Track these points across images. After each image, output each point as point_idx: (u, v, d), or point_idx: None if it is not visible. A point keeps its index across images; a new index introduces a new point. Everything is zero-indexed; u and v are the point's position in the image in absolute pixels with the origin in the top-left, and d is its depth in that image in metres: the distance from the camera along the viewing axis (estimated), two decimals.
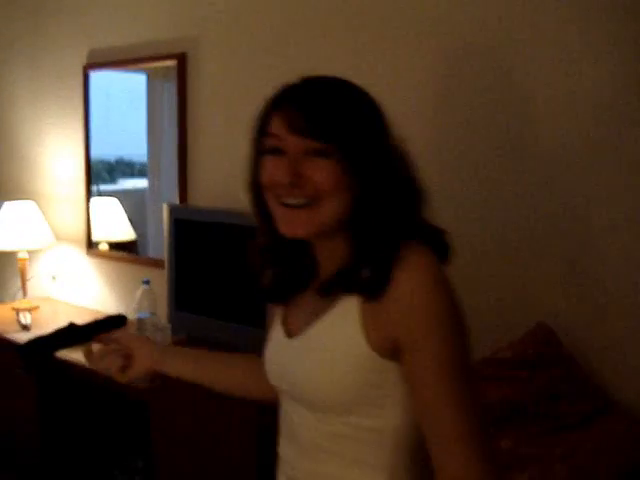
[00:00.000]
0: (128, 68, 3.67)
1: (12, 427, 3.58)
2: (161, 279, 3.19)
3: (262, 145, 1.16)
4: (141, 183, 3.92)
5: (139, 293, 3.09)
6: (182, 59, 3.32)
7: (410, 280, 1.05)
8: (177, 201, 3.36)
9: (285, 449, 1.27)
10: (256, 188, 1.19)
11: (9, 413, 3.56)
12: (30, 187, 4.29)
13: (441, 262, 1.10)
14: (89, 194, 3.93)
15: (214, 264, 2.81)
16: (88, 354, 1.49)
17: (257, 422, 2.40)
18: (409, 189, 1.14)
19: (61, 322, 3.62)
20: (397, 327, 1.07)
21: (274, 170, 1.12)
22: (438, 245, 1.12)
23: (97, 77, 3.83)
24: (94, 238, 3.95)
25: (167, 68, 3.45)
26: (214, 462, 2.59)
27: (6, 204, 3.98)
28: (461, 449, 1.05)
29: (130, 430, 3.34)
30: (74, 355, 3.22)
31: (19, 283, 4.08)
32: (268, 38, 3.04)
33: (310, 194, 1.09)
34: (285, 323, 1.27)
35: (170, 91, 3.48)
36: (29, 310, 3.80)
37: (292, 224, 1.12)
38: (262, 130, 1.17)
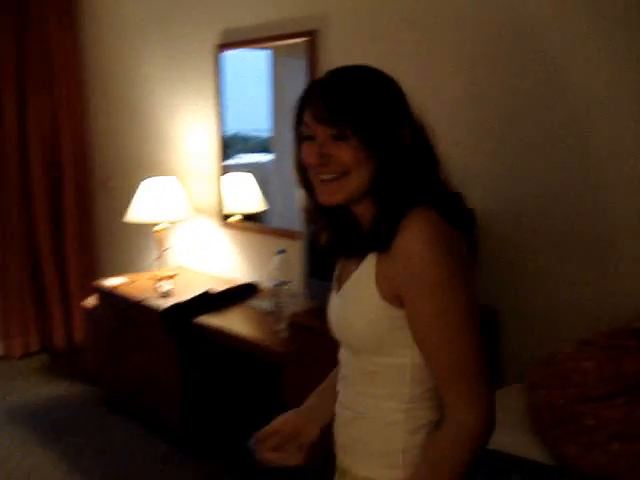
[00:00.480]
0: (258, 46, 3.79)
1: (155, 389, 3.83)
2: (293, 249, 3.32)
3: (300, 133, 1.38)
4: (260, 158, 4.06)
5: (274, 262, 3.23)
6: (312, 36, 3.41)
7: (410, 236, 1.26)
8: None
9: (339, 385, 1.52)
10: (300, 168, 1.42)
11: (153, 376, 3.80)
12: (169, 163, 4.52)
13: (452, 222, 1.29)
14: (222, 168, 4.11)
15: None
16: (261, 451, 1.60)
17: None
18: (421, 162, 1.36)
19: (197, 290, 3.87)
20: (399, 277, 1.28)
21: (308, 153, 1.35)
22: (450, 208, 1.33)
23: (227, 55, 3.99)
24: (227, 210, 4.14)
25: (292, 45, 3.56)
26: None
27: (148, 179, 4.23)
28: (459, 389, 1.27)
29: (264, 392, 3.47)
30: (211, 320, 3.44)
31: (157, 253, 4.33)
32: (397, 14, 3.09)
33: (337, 170, 1.32)
34: (338, 280, 1.49)
35: (294, 67, 3.58)
36: (168, 278, 4.03)
37: (326, 194, 1.36)
38: (299, 120, 1.38)
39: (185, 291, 3.79)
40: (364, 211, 1.38)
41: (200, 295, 3.66)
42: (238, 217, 4.12)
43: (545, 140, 2.67)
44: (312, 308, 2.98)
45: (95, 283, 4.34)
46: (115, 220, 4.94)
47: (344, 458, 1.49)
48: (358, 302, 1.36)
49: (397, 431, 1.38)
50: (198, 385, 3.66)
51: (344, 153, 1.31)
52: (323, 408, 1.60)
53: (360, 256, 1.38)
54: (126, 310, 3.93)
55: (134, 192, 4.29)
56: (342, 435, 1.49)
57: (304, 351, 2.89)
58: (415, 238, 1.25)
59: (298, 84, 3.56)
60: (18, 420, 4.15)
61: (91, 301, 4.50)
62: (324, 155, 1.32)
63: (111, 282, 4.18)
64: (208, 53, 4.07)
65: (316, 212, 1.46)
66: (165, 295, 3.80)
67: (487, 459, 2.23)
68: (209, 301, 3.64)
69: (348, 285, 1.40)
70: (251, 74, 4.01)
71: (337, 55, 3.35)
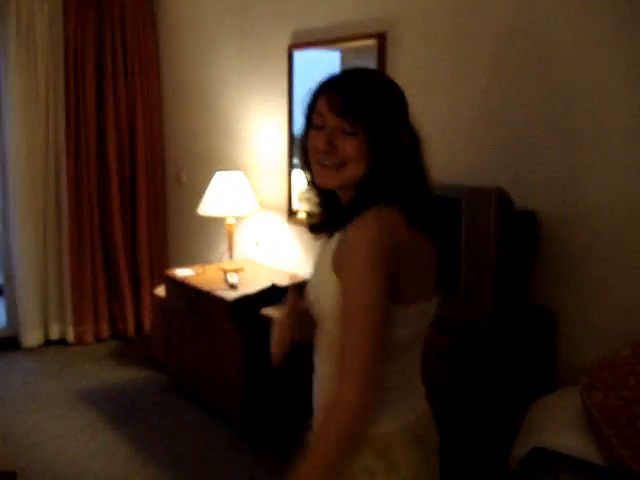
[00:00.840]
0: (328, 47, 3.88)
1: (219, 377, 3.95)
2: None
3: (310, 120, 1.55)
4: None
5: None
6: (382, 38, 3.48)
7: (355, 225, 1.44)
8: None
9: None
10: (304, 150, 1.59)
11: (218, 364, 3.93)
12: (238, 158, 4.64)
13: (412, 222, 1.47)
14: (291, 166, 4.21)
15: None
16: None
17: None
18: (412, 164, 1.53)
19: (263, 283, 3.98)
20: (337, 256, 1.46)
21: (317, 140, 1.51)
22: (421, 213, 1.51)
23: (299, 55, 4.08)
24: (294, 207, 4.24)
25: (361, 46, 3.62)
26: None
27: (217, 174, 4.36)
28: (345, 367, 1.40)
29: None
30: (277, 312, 3.53)
31: (226, 246, 4.46)
32: (465, 17, 3.13)
33: (338, 160, 1.48)
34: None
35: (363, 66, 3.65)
36: (235, 271, 4.15)
37: (323, 178, 1.53)
38: (311, 108, 1.55)
39: (251, 284, 3.90)
40: (346, 197, 1.55)
41: (267, 288, 3.76)
42: (304, 213, 4.21)
43: (609, 143, 2.67)
44: None
45: (165, 273, 4.50)
46: (186, 213, 5.11)
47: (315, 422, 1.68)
48: (323, 274, 1.53)
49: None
50: (260, 375, 3.76)
51: (349, 146, 1.47)
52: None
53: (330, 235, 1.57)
54: (195, 300, 4.07)
55: (204, 186, 4.43)
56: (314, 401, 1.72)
57: None
58: (356, 228, 1.43)
59: None
60: (88, 402, 4.33)
61: (161, 291, 4.66)
62: (332, 144, 1.48)
63: (181, 273, 4.33)
64: (280, 53, 4.17)
65: (312, 192, 1.64)
66: (232, 287, 3.91)
67: (539, 456, 2.28)
68: (275, 294, 3.73)
69: (317, 261, 1.60)
70: (322, 74, 4.08)
71: (405, 57, 3.41)
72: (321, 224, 1.65)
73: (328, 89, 1.53)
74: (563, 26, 2.76)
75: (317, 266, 1.60)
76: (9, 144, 5.08)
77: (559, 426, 2.40)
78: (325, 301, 1.52)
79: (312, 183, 1.61)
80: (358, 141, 1.47)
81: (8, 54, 4.96)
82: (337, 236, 1.52)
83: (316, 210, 1.66)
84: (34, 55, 5.03)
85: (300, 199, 1.71)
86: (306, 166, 1.61)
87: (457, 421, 2.59)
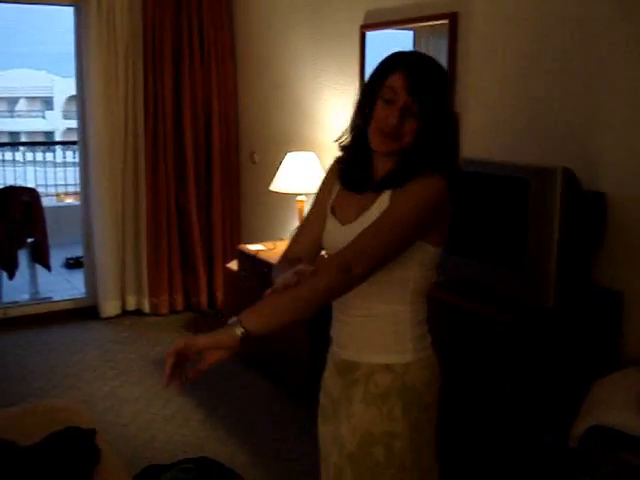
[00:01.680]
0: (400, 27, 3.91)
1: (284, 350, 4.07)
2: None
3: (378, 91, 1.74)
4: None
5: None
6: (453, 18, 3.50)
7: (415, 183, 1.72)
8: None
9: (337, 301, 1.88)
10: (363, 117, 1.79)
11: (284, 337, 4.03)
12: (311, 139, 4.72)
13: (454, 189, 1.76)
14: None
15: (479, 211, 2.96)
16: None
17: None
18: (445, 143, 1.77)
19: None
20: (393, 201, 1.74)
21: (387, 112, 1.71)
22: (457, 185, 1.77)
23: (371, 36, 4.13)
24: None
25: (433, 26, 3.66)
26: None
27: (290, 154, 4.45)
28: (358, 249, 1.67)
29: None
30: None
31: (296, 223, 4.56)
32: None
33: (400, 133, 1.71)
34: (335, 214, 1.89)
35: (435, 46, 3.68)
36: None
37: (382, 144, 1.75)
38: (381, 81, 1.74)
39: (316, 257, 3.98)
40: (385, 162, 1.80)
41: None
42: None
43: None
44: (442, 281, 3.09)
45: (238, 248, 4.63)
46: (259, 191, 5.23)
47: (353, 354, 1.88)
48: None
49: (406, 325, 1.83)
50: (325, 349, 3.84)
51: (410, 124, 1.71)
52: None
53: (369, 196, 1.80)
54: (265, 274, 4.17)
55: (277, 166, 4.53)
56: (349, 337, 1.90)
57: (430, 323, 3.01)
58: (421, 184, 1.71)
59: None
60: (162, 370, 4.48)
61: (233, 265, 4.80)
62: (402, 119, 1.70)
63: (253, 247, 4.45)
64: (353, 33, 4.22)
65: (350, 151, 1.88)
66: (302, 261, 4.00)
67: (599, 435, 2.31)
68: None
69: (367, 215, 1.78)
70: None
71: (476, 37, 3.42)
72: (358, 181, 1.86)
73: (404, 68, 1.72)
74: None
75: (367, 220, 1.76)
76: (90, 125, 5.29)
77: (620, 405, 2.42)
78: None
79: (355, 144, 1.85)
80: (416, 120, 1.71)
81: (89, 38, 5.17)
82: (386, 194, 1.77)
83: (349, 168, 1.89)
84: (114, 38, 5.23)
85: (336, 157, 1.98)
86: (359, 130, 1.83)
87: (519, 399, 2.64)
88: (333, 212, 1.90)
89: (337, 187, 1.94)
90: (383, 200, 1.78)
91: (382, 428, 1.80)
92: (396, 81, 1.71)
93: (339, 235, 1.83)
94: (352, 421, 1.85)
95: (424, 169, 1.73)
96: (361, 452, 1.82)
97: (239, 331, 1.60)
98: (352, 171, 1.88)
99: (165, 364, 1.68)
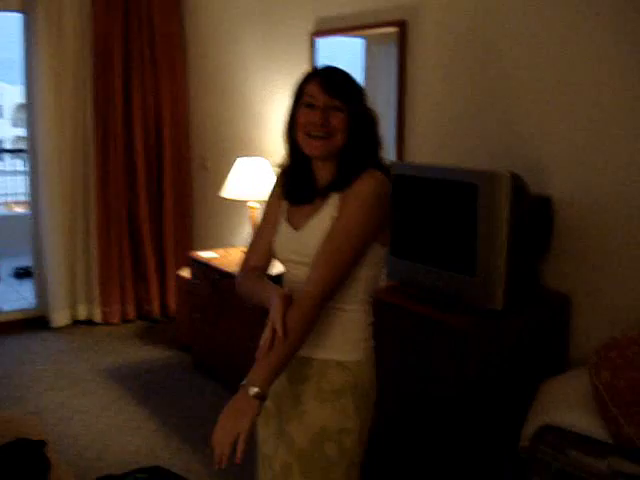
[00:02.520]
0: (350, 34, 3.94)
1: (241, 355, 4.00)
2: None
3: (300, 101, 1.87)
4: None
5: None
6: (403, 26, 3.54)
7: (363, 181, 1.81)
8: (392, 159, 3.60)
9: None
10: (291, 127, 1.90)
11: (240, 344, 4.02)
12: (262, 144, 4.73)
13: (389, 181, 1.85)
14: None
15: (428, 216, 3.00)
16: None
17: None
18: (375, 137, 1.90)
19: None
20: (342, 204, 1.82)
21: (311, 115, 1.83)
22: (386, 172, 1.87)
23: (321, 43, 4.15)
24: None
25: (383, 34, 3.69)
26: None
27: (239, 159, 4.45)
28: (317, 275, 1.76)
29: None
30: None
31: (248, 230, 4.55)
32: (488, 6, 3.19)
33: (329, 131, 1.82)
34: (289, 221, 1.95)
35: (386, 54, 3.72)
36: None
37: (314, 148, 1.85)
38: (301, 91, 1.88)
39: (273, 265, 3.98)
40: (324, 168, 1.89)
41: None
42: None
43: (627, 132, 2.72)
44: (392, 285, 3.12)
45: (190, 255, 4.60)
46: (210, 197, 5.22)
47: (305, 350, 1.86)
48: (326, 229, 1.82)
49: (359, 324, 1.91)
50: None
51: (337, 119, 1.82)
52: None
53: (317, 201, 1.89)
54: (218, 281, 4.17)
55: (228, 171, 4.52)
56: None
57: (381, 326, 3.03)
58: (366, 183, 1.80)
59: (389, 72, 3.69)
60: (115, 379, 4.46)
61: (185, 272, 4.77)
62: (326, 118, 1.82)
63: (205, 255, 4.43)
64: (304, 40, 4.24)
65: (290, 164, 1.97)
66: None
67: (548, 434, 2.35)
68: None
69: (315, 220, 1.87)
70: (344, 62, 4.15)
71: (426, 45, 3.47)
72: (301, 193, 1.94)
73: (317, 76, 1.87)
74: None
75: (316, 224, 1.87)
76: (39, 132, 5.21)
77: (568, 405, 2.46)
78: None
79: (292, 156, 1.95)
80: (343, 116, 1.83)
81: (37, 45, 5.08)
82: (335, 197, 1.85)
83: (291, 181, 1.97)
84: (63, 46, 5.16)
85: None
86: (290, 140, 1.93)
87: (469, 401, 2.67)
88: (287, 218, 1.97)
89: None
90: (332, 203, 1.86)
91: (337, 425, 1.84)
92: (313, 87, 1.85)
93: (292, 240, 1.92)
94: (304, 418, 1.87)
95: (363, 167, 1.84)
96: (312, 448, 1.85)
97: (255, 396, 1.72)
98: (295, 186, 1.96)
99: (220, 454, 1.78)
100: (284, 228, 1.96)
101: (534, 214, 2.80)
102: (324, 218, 1.85)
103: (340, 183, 1.85)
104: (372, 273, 1.90)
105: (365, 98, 1.90)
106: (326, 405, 1.86)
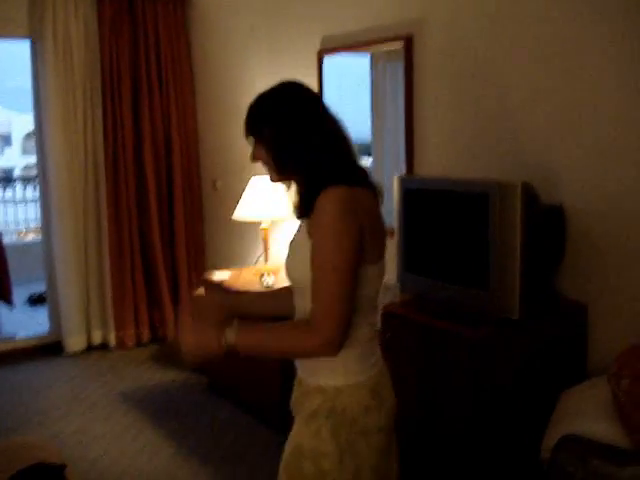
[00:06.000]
0: (357, 50, 3.96)
1: (256, 375, 4.03)
2: (388, 244, 3.44)
3: None
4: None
5: None
6: (409, 41, 3.56)
7: (323, 199, 1.71)
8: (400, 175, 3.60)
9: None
10: None
11: (255, 365, 3.99)
12: None
13: (361, 187, 1.78)
14: None
15: (440, 229, 3.00)
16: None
17: None
18: (311, 153, 1.82)
19: None
20: (311, 223, 1.76)
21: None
22: (359, 180, 1.81)
23: (328, 61, 4.17)
24: None
25: (389, 49, 3.71)
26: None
27: (253, 179, 4.46)
28: (316, 310, 1.71)
29: None
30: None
31: (261, 250, 4.55)
32: (492, 18, 3.20)
33: (261, 163, 1.88)
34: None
35: (392, 70, 3.74)
36: (271, 273, 4.24)
37: (269, 177, 1.91)
38: None
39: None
40: (299, 187, 1.86)
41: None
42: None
43: (634, 137, 2.71)
44: (406, 300, 3.12)
45: (203, 277, 4.60)
46: (223, 218, 5.22)
47: (300, 371, 1.93)
48: (300, 250, 1.81)
49: (342, 352, 1.77)
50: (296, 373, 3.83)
51: (258, 154, 1.88)
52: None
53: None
54: None
55: (239, 192, 4.53)
56: None
57: (397, 340, 3.02)
58: (327, 199, 1.70)
59: (395, 87, 3.71)
60: (131, 403, 4.46)
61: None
62: (253, 153, 1.90)
63: (218, 276, 4.43)
64: (311, 58, 4.26)
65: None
66: (268, 287, 4.00)
67: (570, 444, 2.33)
68: None
69: (294, 239, 1.90)
70: (352, 79, 4.18)
71: (432, 58, 3.48)
72: (298, 210, 1.90)
73: None
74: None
75: (292, 249, 1.89)
76: (49, 156, 5.24)
77: (589, 414, 2.45)
78: (308, 272, 1.75)
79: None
80: (262, 147, 1.86)
81: (46, 71, 5.13)
82: (304, 221, 1.83)
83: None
84: (71, 71, 5.20)
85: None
86: None
87: (487, 413, 2.65)
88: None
89: None
90: (302, 228, 1.86)
91: (310, 444, 1.84)
92: None
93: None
94: (292, 432, 1.94)
95: (317, 188, 1.75)
96: (293, 463, 1.89)
97: (227, 341, 1.76)
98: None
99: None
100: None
101: (547, 223, 2.80)
102: (299, 235, 1.87)
103: (299, 211, 1.85)
104: (359, 293, 1.78)
105: (285, 118, 1.82)
106: (302, 424, 1.89)
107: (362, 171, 1.87)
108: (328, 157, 1.82)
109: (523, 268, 2.61)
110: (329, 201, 1.71)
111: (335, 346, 1.72)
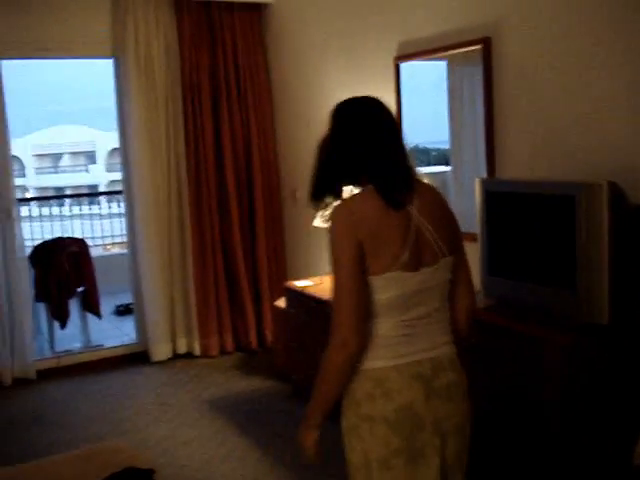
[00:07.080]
0: (433, 56, 3.94)
1: None
2: (472, 249, 3.40)
3: None
4: (439, 170, 4.16)
5: None
6: (487, 43, 3.52)
7: (329, 220, 1.94)
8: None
9: None
10: None
11: None
12: None
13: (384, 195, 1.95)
14: None
15: (525, 232, 2.96)
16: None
17: None
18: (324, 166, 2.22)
19: None
20: None
21: None
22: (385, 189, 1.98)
23: (405, 67, 4.16)
24: None
25: (467, 54, 3.68)
26: None
27: None
28: (334, 318, 1.89)
29: None
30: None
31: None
32: (568, 16, 3.14)
33: None
34: None
35: (469, 74, 3.70)
36: None
37: None
38: None
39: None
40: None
41: None
42: None
43: None
44: (490, 304, 3.08)
45: (285, 285, 4.65)
46: (303, 227, 5.27)
47: None
48: None
49: (368, 337, 1.94)
50: None
51: None
52: None
53: None
54: (313, 309, 4.19)
55: None
56: None
57: (480, 346, 2.98)
58: (332, 216, 1.93)
59: (472, 91, 3.67)
60: (216, 411, 4.52)
61: (281, 302, 4.82)
62: None
63: (299, 284, 4.47)
64: (387, 65, 4.26)
65: None
66: None
67: None
68: None
69: None
70: (429, 85, 4.16)
71: (511, 59, 3.44)
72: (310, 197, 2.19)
73: None
74: None
75: None
76: (134, 171, 5.39)
77: None
78: None
79: None
80: None
81: (129, 87, 5.28)
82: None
83: None
84: (153, 86, 5.34)
85: None
86: None
87: (576, 419, 2.59)
88: None
89: None
90: None
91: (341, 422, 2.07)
92: None
93: None
94: None
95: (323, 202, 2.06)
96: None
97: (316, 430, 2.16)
98: None
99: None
100: None
101: (635, 224, 2.72)
102: None
103: (310, 198, 2.14)
104: (376, 297, 1.92)
105: (334, 126, 2.13)
106: None
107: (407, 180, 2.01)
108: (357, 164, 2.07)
109: (612, 269, 2.55)
110: (332, 218, 1.92)
111: (350, 345, 1.87)
